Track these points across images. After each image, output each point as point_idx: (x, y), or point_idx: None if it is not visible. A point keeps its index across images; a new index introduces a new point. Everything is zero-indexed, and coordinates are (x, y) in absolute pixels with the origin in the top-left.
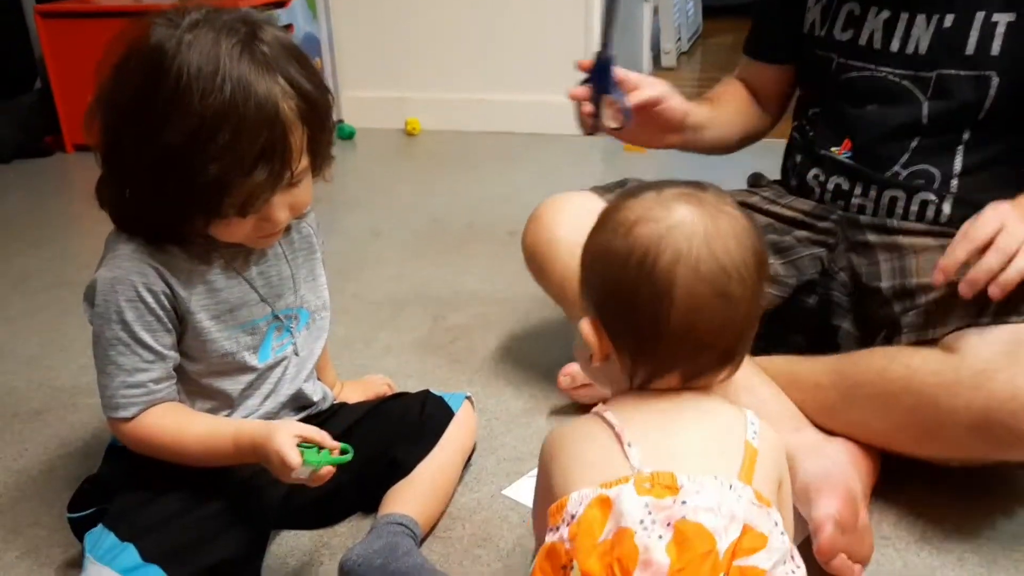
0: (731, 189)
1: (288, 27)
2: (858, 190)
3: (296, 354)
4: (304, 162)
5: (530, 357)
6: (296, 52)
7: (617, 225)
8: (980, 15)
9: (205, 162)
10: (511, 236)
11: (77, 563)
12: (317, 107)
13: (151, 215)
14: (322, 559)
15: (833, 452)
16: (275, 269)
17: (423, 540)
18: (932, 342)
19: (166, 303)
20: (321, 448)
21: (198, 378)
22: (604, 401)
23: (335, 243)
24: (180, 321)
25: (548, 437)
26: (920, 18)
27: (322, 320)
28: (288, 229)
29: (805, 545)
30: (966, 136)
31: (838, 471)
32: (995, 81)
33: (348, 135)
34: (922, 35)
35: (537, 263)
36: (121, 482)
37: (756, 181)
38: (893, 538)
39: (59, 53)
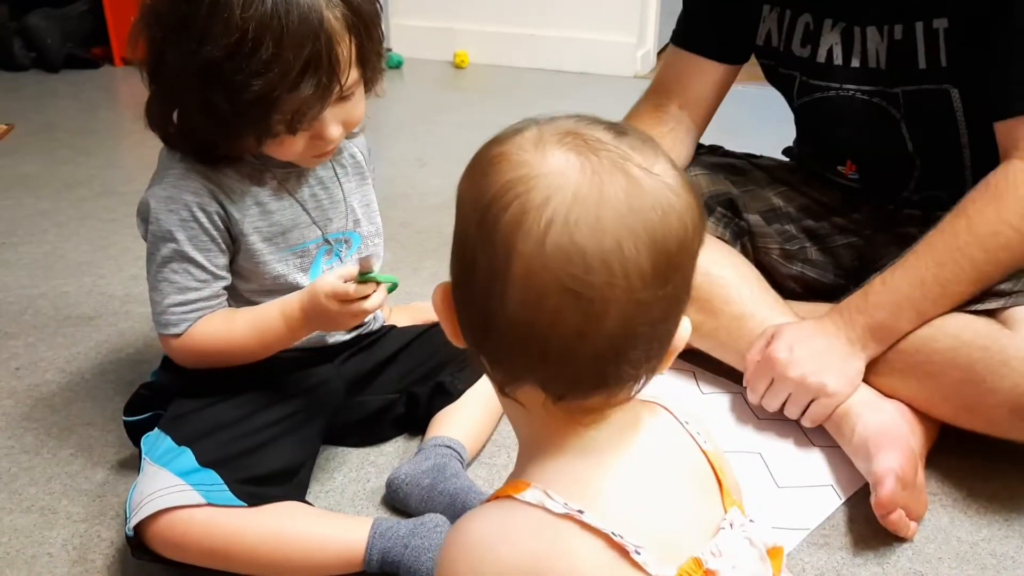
0: (772, 159)
1: None
2: (874, 205)
3: None
4: (354, 74)
5: None
6: None
7: (478, 160)
8: (920, 25)
9: (249, 77)
10: None
11: (129, 464)
12: (364, 15)
13: (201, 133)
14: (368, 476)
15: (891, 408)
16: (326, 192)
17: (468, 465)
18: (983, 313)
19: (219, 223)
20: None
21: (250, 296)
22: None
23: (382, 170)
24: (233, 242)
25: (454, 551)
26: (871, 31)
27: (375, 247)
28: (340, 152)
29: (860, 496)
30: (967, 156)
31: (896, 427)
32: (955, 93)
33: (396, 64)
34: (879, 49)
35: None
36: (177, 389)
37: (791, 155)
38: (940, 494)
39: None
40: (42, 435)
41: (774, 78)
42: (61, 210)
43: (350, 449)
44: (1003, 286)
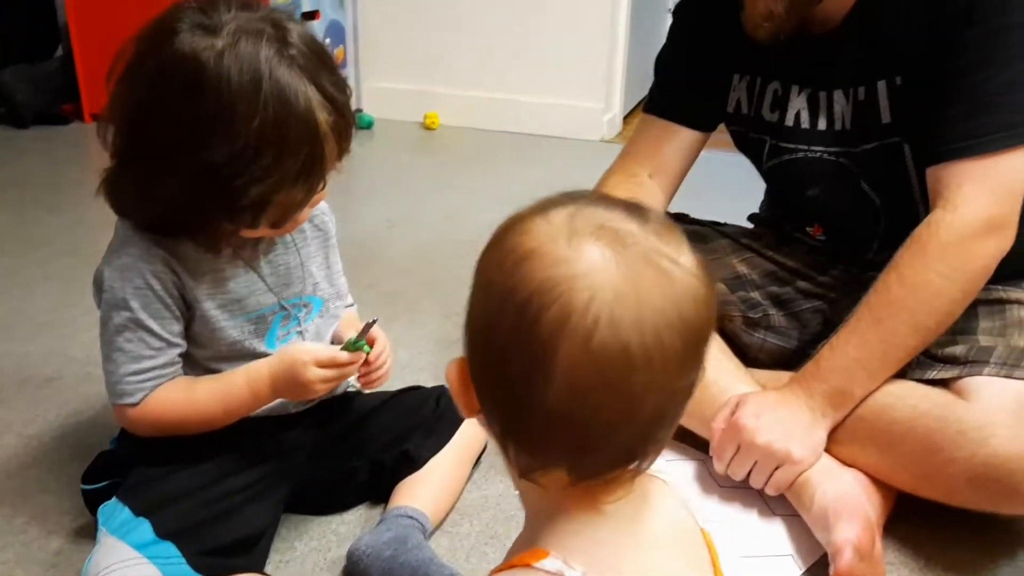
0: (737, 226)
1: (315, 13)
2: (840, 267)
3: (302, 337)
4: (332, 166)
5: None
6: (323, 55)
7: (507, 252)
8: (882, 84)
9: (248, 184)
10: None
11: (86, 532)
12: (345, 114)
13: (174, 218)
14: (330, 545)
15: (850, 478)
16: (283, 259)
17: (431, 534)
18: (939, 382)
19: (174, 291)
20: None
21: (206, 363)
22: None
23: (350, 232)
24: (188, 309)
25: None
26: (837, 94)
27: (336, 309)
28: None
29: (820, 566)
30: (921, 212)
31: (854, 497)
32: (906, 148)
33: (367, 125)
34: (844, 111)
35: None
36: (137, 457)
37: (756, 220)
38: (898, 563)
39: (83, 21)
40: None
41: (744, 143)
42: (25, 269)
43: (311, 517)
44: (957, 352)
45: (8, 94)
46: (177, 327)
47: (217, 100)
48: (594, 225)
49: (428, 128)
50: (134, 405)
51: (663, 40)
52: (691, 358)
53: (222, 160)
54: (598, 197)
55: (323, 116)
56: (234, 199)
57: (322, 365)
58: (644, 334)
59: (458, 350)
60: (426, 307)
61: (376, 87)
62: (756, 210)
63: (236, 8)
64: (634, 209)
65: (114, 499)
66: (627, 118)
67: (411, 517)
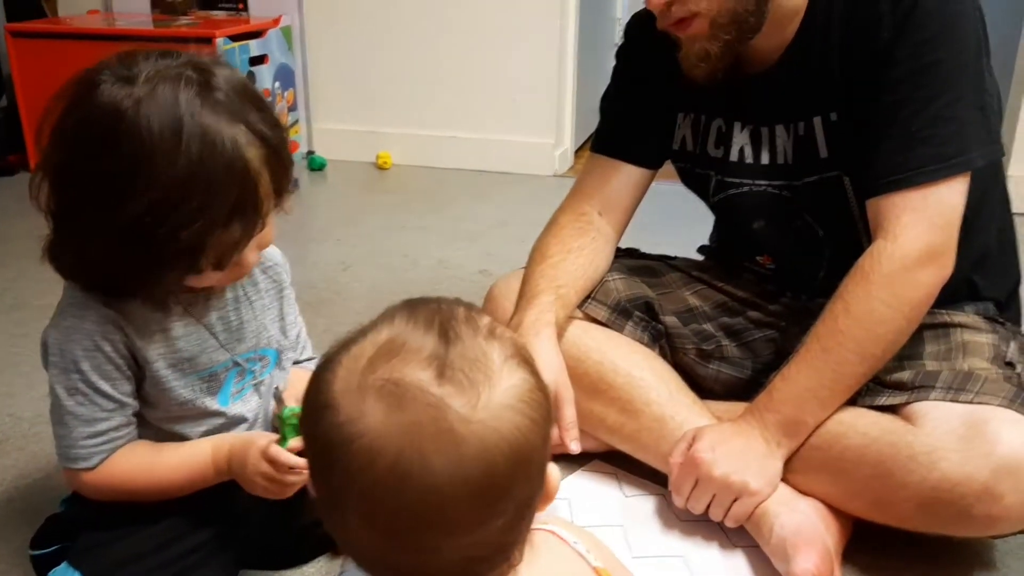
0: (687, 259)
1: (263, 58)
2: (789, 295)
3: (260, 396)
4: (271, 203)
5: None
6: (250, 93)
7: (316, 391)
8: (818, 119)
9: (176, 229)
10: (482, 275)
11: None
12: (279, 151)
13: (115, 276)
14: None
15: (806, 507)
16: (235, 314)
17: None
18: (888, 408)
19: (124, 351)
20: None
21: (158, 423)
22: None
23: (305, 275)
24: (139, 369)
25: None
26: (779, 128)
27: (288, 362)
28: (253, 270)
29: None
30: (864, 241)
31: (812, 526)
32: (847, 181)
33: (319, 166)
34: (786, 145)
35: None
36: (86, 520)
37: (706, 252)
38: None
39: (28, 73)
40: None
41: (690, 179)
42: None
43: (269, 573)
44: (905, 378)
45: None
46: (129, 387)
47: (135, 149)
48: (384, 379)
49: (381, 168)
50: (90, 469)
51: (611, 75)
52: (487, 510)
53: (143, 210)
54: (422, 319)
55: (253, 153)
56: (164, 247)
57: (267, 459)
58: (423, 498)
59: None
60: None
61: (327, 129)
62: (705, 241)
63: (156, 57)
64: (447, 341)
65: (64, 564)
66: (578, 152)
67: None
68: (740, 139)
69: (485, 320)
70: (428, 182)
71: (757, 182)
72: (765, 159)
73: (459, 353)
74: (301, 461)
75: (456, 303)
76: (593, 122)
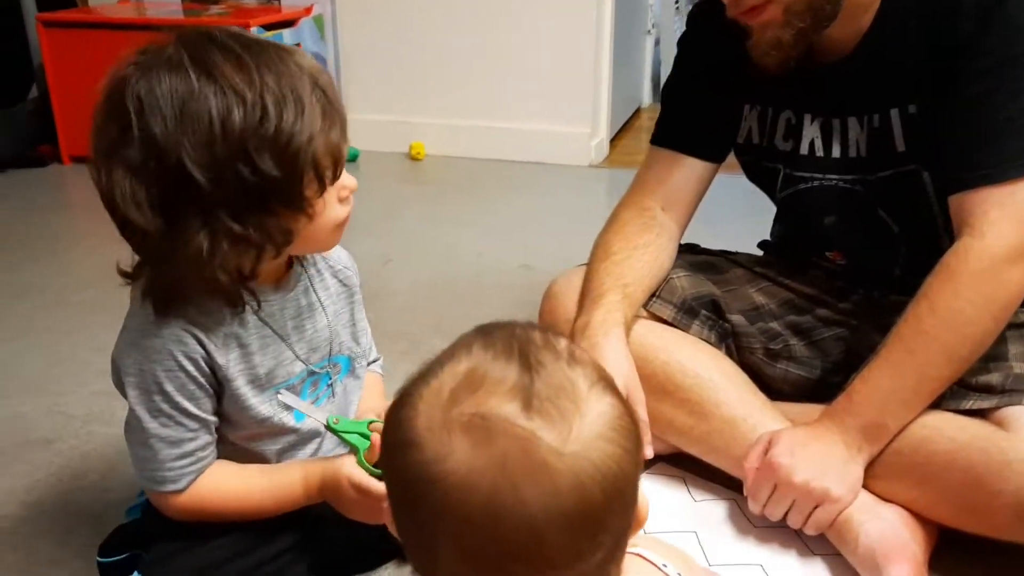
0: (748, 255)
1: (296, 47)
2: (861, 292)
3: (334, 407)
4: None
5: None
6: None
7: (396, 426)
8: (895, 111)
9: (282, 147)
10: (523, 269)
11: None
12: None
13: (211, 267)
14: None
15: (891, 515)
16: (310, 322)
17: None
18: (976, 412)
19: (206, 368)
20: None
21: (236, 441)
22: None
23: None
24: (219, 386)
25: None
26: (852, 121)
27: (360, 370)
28: (320, 273)
29: None
30: (945, 237)
31: (899, 535)
32: (926, 176)
33: (352, 157)
34: (859, 138)
35: None
36: (158, 530)
37: (768, 248)
38: None
39: (60, 63)
40: None
41: (755, 173)
42: (10, 322)
43: None
44: (993, 380)
45: None
46: (211, 405)
47: (219, 100)
48: (470, 414)
49: (414, 159)
50: (179, 492)
51: (647, 63)
52: (586, 544)
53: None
54: (501, 346)
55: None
56: (282, 151)
57: (357, 490)
58: (520, 533)
59: None
60: (433, 346)
61: (360, 119)
62: (765, 235)
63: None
64: (529, 369)
65: (136, 574)
66: (613, 142)
67: None
68: (810, 132)
69: (563, 343)
70: (462, 173)
71: (828, 176)
72: (836, 152)
73: (544, 382)
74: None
75: (530, 326)
76: (627, 111)
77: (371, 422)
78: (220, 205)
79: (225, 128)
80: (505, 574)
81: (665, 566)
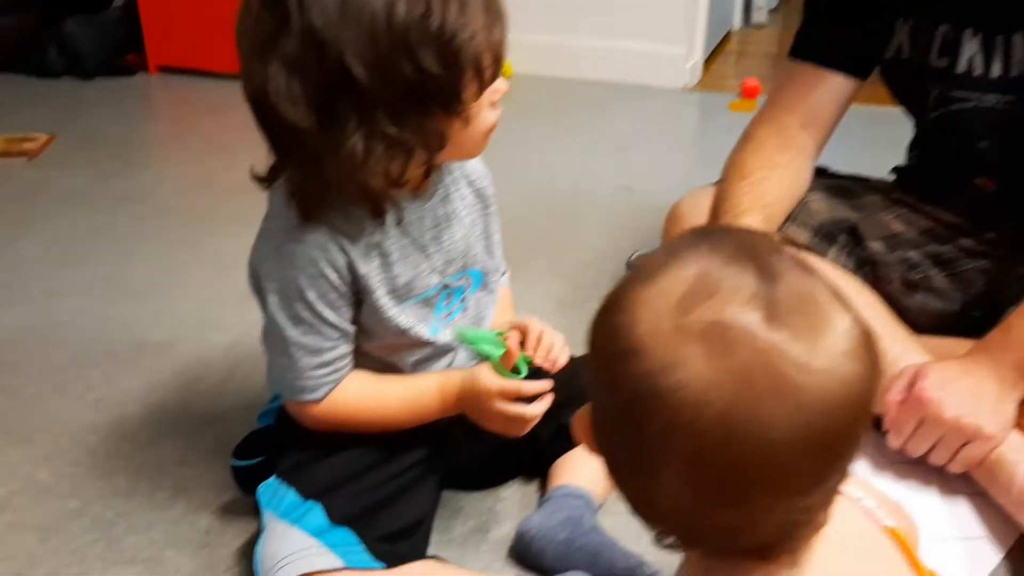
0: (882, 180)
1: None
2: (1011, 222)
3: (465, 316)
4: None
5: None
6: None
7: (612, 334)
8: None
9: (451, 41)
10: (625, 192)
11: (233, 509)
12: None
13: (369, 172)
14: (488, 525)
15: None
16: (447, 233)
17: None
18: None
19: (347, 277)
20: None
21: (371, 352)
22: None
23: None
24: (358, 296)
25: None
26: (1017, 37)
27: (494, 284)
28: (457, 181)
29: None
30: None
31: None
32: None
33: None
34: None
35: None
36: (293, 437)
37: (903, 173)
38: None
39: None
40: (133, 475)
41: (903, 93)
42: (118, 228)
43: (464, 495)
44: None
45: (72, 45)
46: (350, 313)
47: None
48: (706, 322)
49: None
50: (317, 401)
51: None
52: (826, 469)
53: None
54: (731, 251)
55: None
56: (445, 47)
57: (506, 397)
58: (759, 454)
59: (581, 314)
60: (536, 267)
61: None
62: (878, 165)
63: None
64: (768, 277)
65: (275, 480)
66: (708, 63)
67: (580, 497)
68: (970, 48)
69: (790, 251)
70: (551, 94)
71: (986, 97)
72: (997, 71)
73: (785, 291)
74: (541, 386)
75: (752, 232)
76: (719, 34)
77: (499, 334)
78: (378, 105)
79: (388, 22)
80: (737, 497)
81: (862, 499)
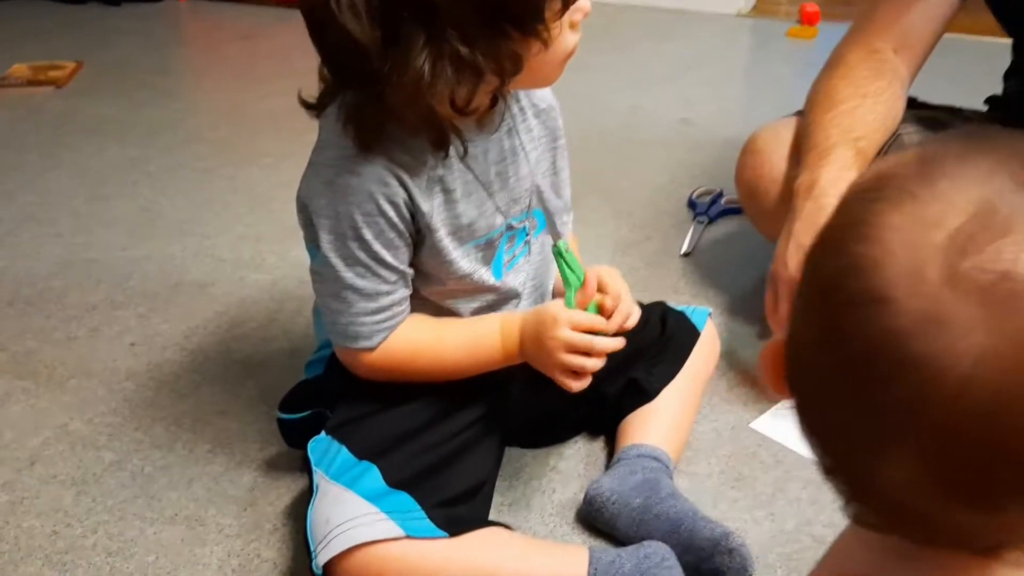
0: (975, 111)
1: None
2: None
3: (531, 266)
4: None
5: (741, 264)
6: None
7: (847, 271)
8: None
9: None
10: (683, 123)
11: (278, 464)
12: None
13: (435, 97)
14: (553, 486)
15: None
16: (513, 169)
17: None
18: None
19: (407, 215)
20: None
21: (428, 297)
22: None
23: None
24: (418, 235)
25: None
26: None
27: (563, 225)
28: (523, 112)
29: None
30: None
31: None
32: None
33: None
34: None
35: (758, 203)
36: (345, 389)
37: (998, 104)
38: None
39: None
40: (172, 426)
41: (1007, 13)
42: (150, 159)
43: (524, 453)
44: None
45: None
46: (408, 254)
47: None
48: (995, 272)
49: None
50: (371, 349)
51: None
52: None
53: None
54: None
55: None
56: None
57: (578, 328)
58: None
59: (639, 257)
60: (591, 206)
61: None
62: (993, 92)
63: None
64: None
65: (325, 436)
66: None
67: (655, 458)
68: None
69: None
70: (599, 19)
71: None
72: None
73: None
74: (613, 334)
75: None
76: None
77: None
78: (449, 21)
79: None
80: (993, 500)
81: None
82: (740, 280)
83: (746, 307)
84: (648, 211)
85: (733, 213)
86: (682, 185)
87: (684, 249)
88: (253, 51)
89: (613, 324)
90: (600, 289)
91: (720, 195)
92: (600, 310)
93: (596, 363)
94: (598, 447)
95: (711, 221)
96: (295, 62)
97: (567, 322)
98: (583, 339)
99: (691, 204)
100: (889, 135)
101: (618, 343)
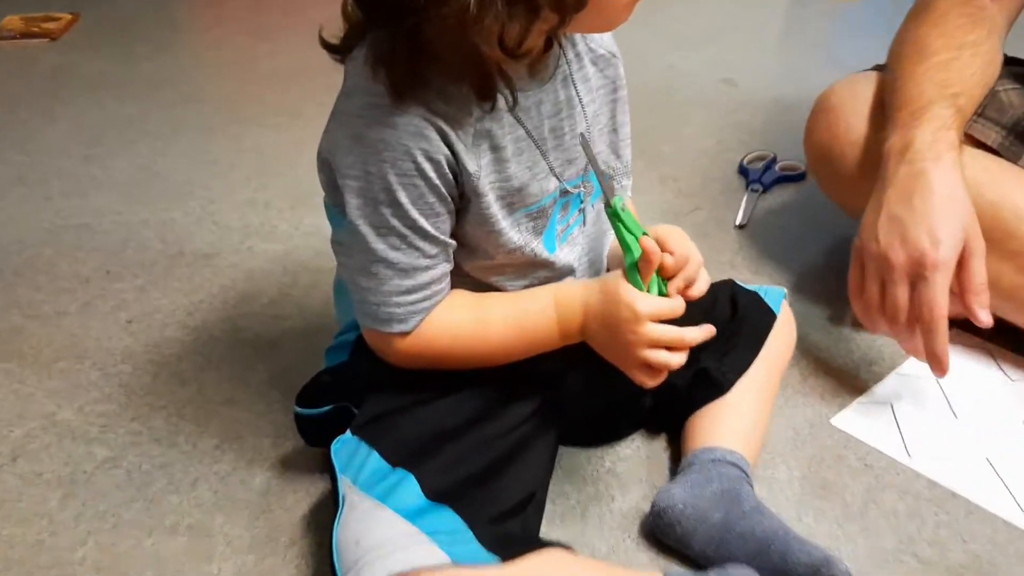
0: None
1: None
2: None
3: (586, 237)
4: None
5: (804, 237)
6: None
7: None
8: None
9: None
10: (726, 84)
11: (293, 463)
12: None
13: (482, 34)
14: (612, 492)
15: None
16: (568, 124)
17: None
18: None
19: (450, 176)
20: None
21: (471, 273)
22: None
23: None
24: (461, 200)
25: None
26: None
27: (622, 189)
28: (581, 59)
29: None
30: None
31: None
32: None
33: None
34: None
35: (833, 167)
36: (374, 379)
37: None
38: None
39: None
40: (173, 417)
41: None
42: (149, 116)
43: (575, 452)
44: None
45: None
46: (450, 222)
47: None
48: None
49: None
50: (407, 333)
51: None
52: None
53: None
54: None
55: None
56: None
57: (662, 320)
58: None
59: (689, 227)
60: (636, 170)
61: None
62: None
63: None
64: None
65: (351, 436)
66: None
67: (734, 464)
68: None
69: None
70: None
71: None
72: None
73: None
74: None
75: None
76: None
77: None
78: None
79: None
80: None
81: None
82: (804, 256)
83: (814, 286)
84: (695, 178)
85: (789, 180)
86: (729, 149)
87: (739, 220)
88: (260, 3)
89: (673, 290)
90: (662, 248)
91: (774, 160)
92: (661, 271)
93: (681, 358)
94: (659, 447)
95: (765, 189)
96: (308, 12)
97: (649, 314)
98: (672, 333)
99: (742, 170)
100: (986, 91)
101: (708, 331)
